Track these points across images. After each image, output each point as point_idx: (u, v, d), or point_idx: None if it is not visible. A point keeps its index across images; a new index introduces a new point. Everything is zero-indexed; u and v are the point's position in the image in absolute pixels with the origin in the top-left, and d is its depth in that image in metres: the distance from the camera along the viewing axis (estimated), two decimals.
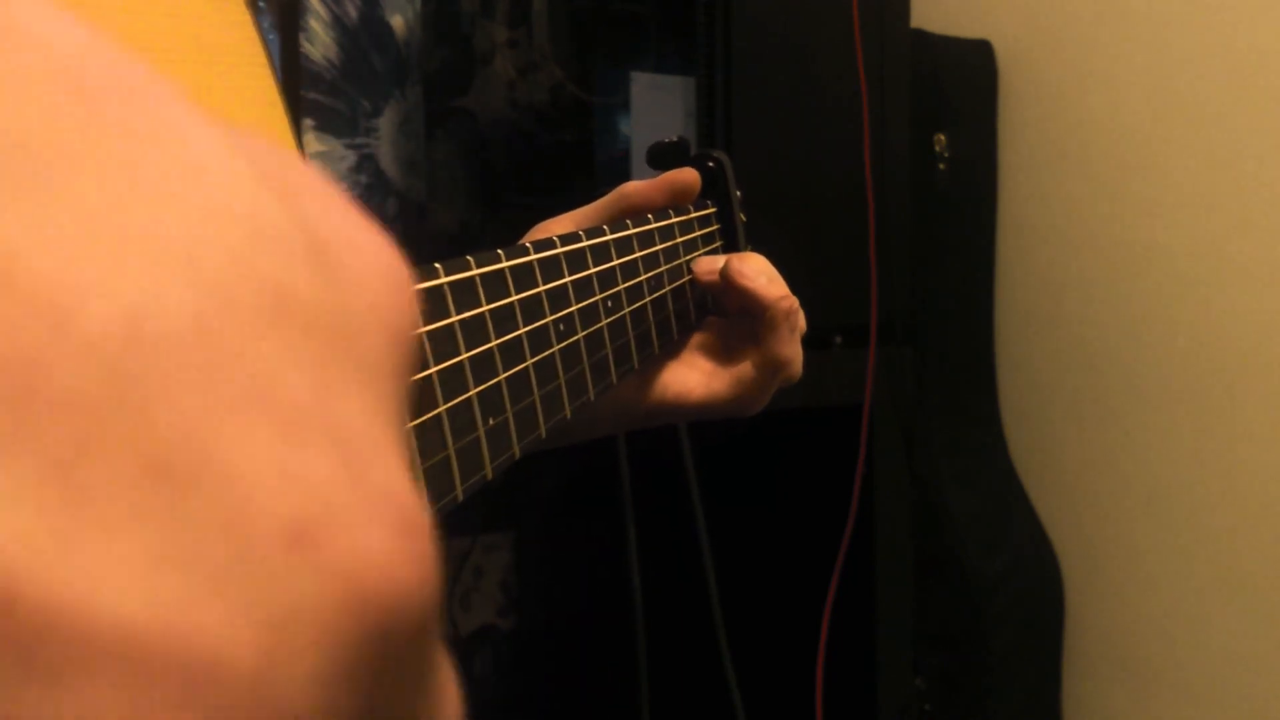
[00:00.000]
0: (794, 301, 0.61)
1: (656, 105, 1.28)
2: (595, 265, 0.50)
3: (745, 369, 0.61)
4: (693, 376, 0.62)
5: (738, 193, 0.70)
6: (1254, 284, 1.42)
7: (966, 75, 1.62)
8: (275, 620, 0.12)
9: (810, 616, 1.25)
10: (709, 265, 0.63)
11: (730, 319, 0.65)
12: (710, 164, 0.68)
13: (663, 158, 0.66)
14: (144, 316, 0.12)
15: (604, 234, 0.52)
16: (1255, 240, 1.42)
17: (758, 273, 0.61)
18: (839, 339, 1.28)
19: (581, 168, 1.35)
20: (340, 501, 0.13)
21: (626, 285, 0.54)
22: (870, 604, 1.30)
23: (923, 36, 1.53)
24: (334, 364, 0.14)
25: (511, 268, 0.42)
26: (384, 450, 0.14)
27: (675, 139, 0.66)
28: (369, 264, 0.15)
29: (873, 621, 1.31)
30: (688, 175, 0.62)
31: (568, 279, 0.47)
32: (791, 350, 0.61)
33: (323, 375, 0.13)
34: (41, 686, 0.11)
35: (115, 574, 0.11)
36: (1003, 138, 1.66)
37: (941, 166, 1.57)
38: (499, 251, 0.42)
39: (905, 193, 1.33)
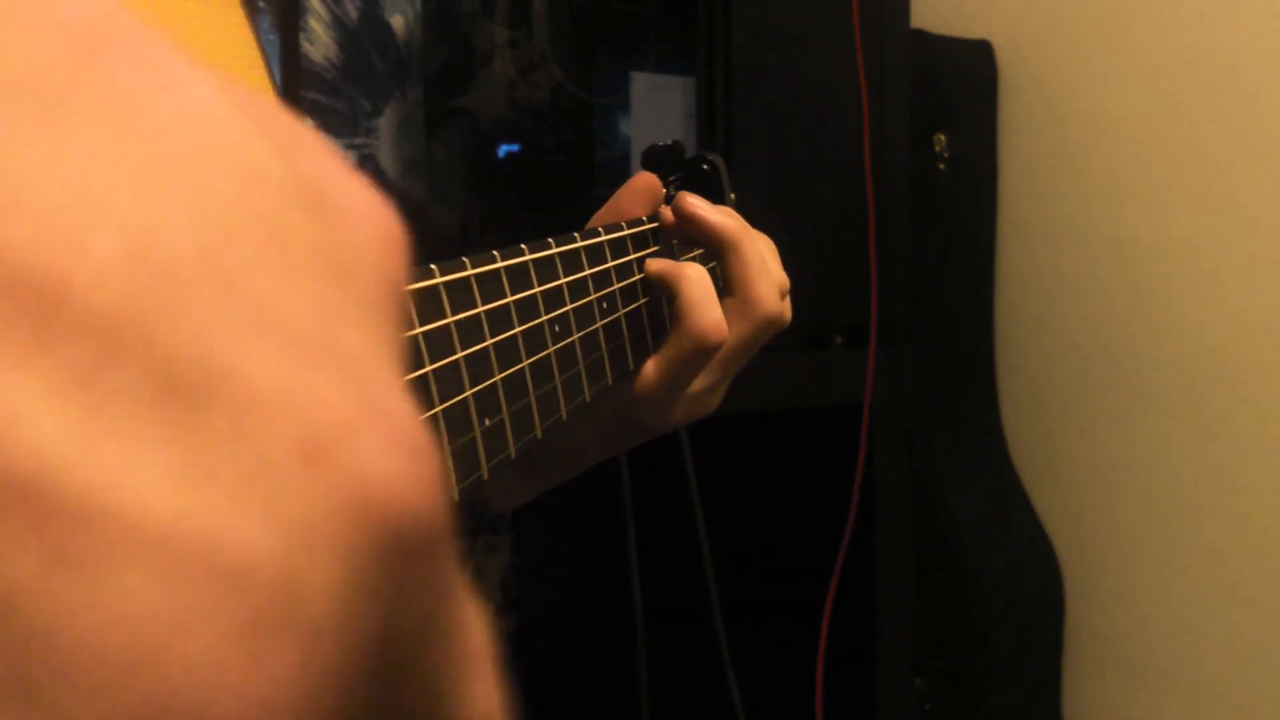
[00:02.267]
0: (745, 227, 0.59)
1: (656, 105, 1.28)
2: (590, 266, 0.50)
3: (677, 310, 0.57)
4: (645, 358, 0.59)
5: (732, 195, 0.70)
6: (1254, 284, 1.42)
7: (966, 75, 1.62)
8: (296, 531, 0.12)
9: (810, 616, 1.25)
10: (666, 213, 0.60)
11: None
12: (705, 166, 0.68)
13: (658, 161, 0.66)
14: (155, 240, 0.12)
15: (599, 234, 0.52)
16: (1254, 240, 1.42)
17: (704, 201, 0.59)
18: (839, 339, 1.28)
19: (581, 168, 1.35)
20: (351, 420, 0.13)
21: (621, 285, 0.54)
22: (870, 604, 1.30)
23: (923, 36, 1.53)
24: (336, 294, 0.14)
25: (507, 268, 0.42)
26: (389, 376, 0.14)
27: (670, 142, 0.66)
28: (363, 215, 0.16)
29: (873, 621, 1.31)
30: (640, 179, 0.61)
31: (563, 280, 0.47)
32: (754, 272, 0.58)
33: (327, 303, 0.14)
34: (79, 580, 0.11)
35: (142, 477, 0.11)
36: (1003, 138, 1.66)
37: (941, 166, 1.57)
38: (494, 253, 0.42)
39: (905, 193, 1.33)
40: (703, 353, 0.56)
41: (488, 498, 0.60)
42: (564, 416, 0.46)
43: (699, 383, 0.59)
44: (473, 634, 0.16)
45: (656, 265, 0.57)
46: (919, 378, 1.44)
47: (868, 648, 1.31)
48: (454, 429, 0.37)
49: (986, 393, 1.67)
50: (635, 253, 0.56)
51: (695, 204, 0.59)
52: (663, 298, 0.59)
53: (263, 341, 0.13)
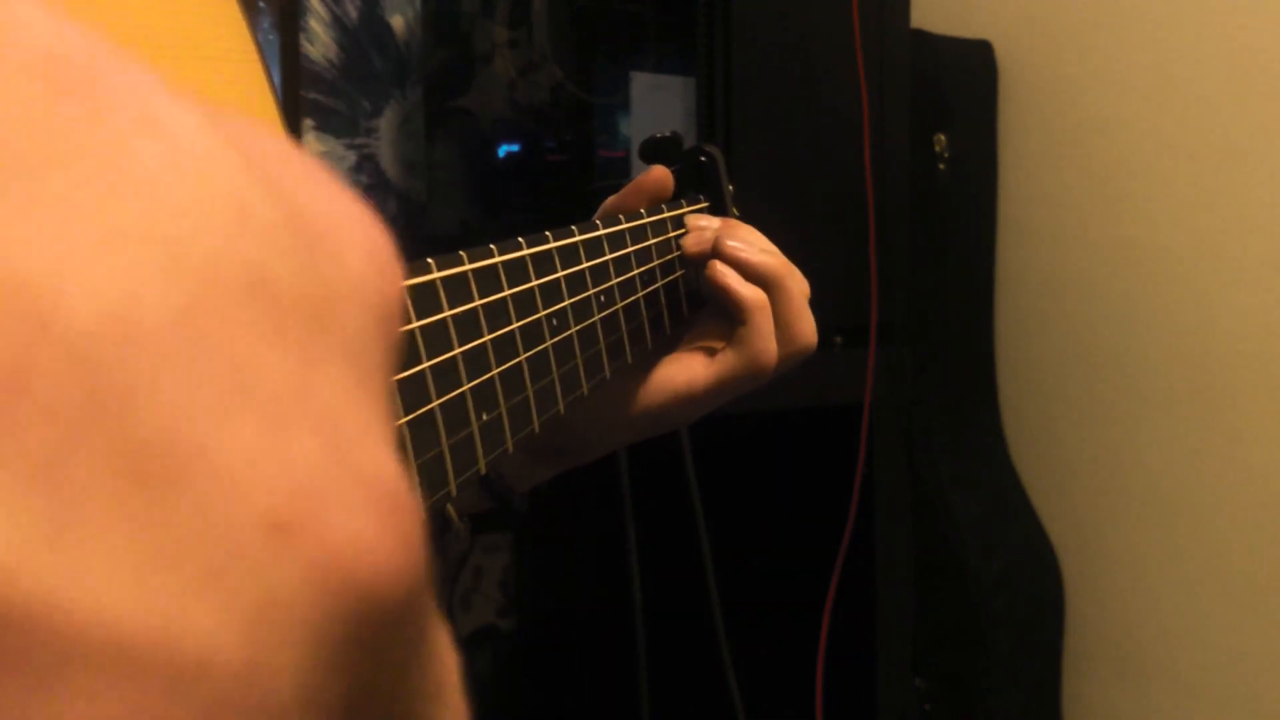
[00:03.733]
0: (788, 268, 0.60)
1: (656, 105, 1.28)
2: (588, 260, 0.50)
3: (746, 335, 0.60)
4: (696, 362, 0.61)
5: (730, 187, 0.70)
6: (1254, 284, 1.42)
7: (966, 75, 1.62)
8: (261, 612, 0.12)
9: (810, 616, 1.25)
10: (698, 239, 0.62)
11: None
12: (702, 158, 0.68)
13: (655, 153, 0.66)
14: (126, 313, 0.12)
15: (596, 229, 0.52)
16: (1255, 240, 1.42)
17: (751, 243, 0.61)
18: (839, 339, 1.28)
19: (581, 167, 1.35)
20: (324, 484, 0.13)
21: (619, 280, 0.54)
22: (870, 604, 1.30)
23: (923, 36, 1.53)
24: (317, 345, 0.14)
25: (504, 263, 0.42)
26: (368, 430, 0.14)
27: (668, 134, 0.66)
28: (353, 242, 0.15)
29: (873, 621, 1.31)
30: (655, 173, 0.62)
31: (561, 274, 0.47)
32: (805, 322, 0.60)
33: (306, 357, 0.13)
34: (30, 687, 0.11)
35: (101, 574, 0.11)
36: (1003, 138, 1.66)
37: (941, 166, 1.57)
38: (491, 246, 0.42)
39: (905, 193, 1.33)
40: (757, 380, 0.60)
41: (512, 483, 0.61)
42: (561, 410, 0.46)
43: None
44: (444, 663, 0.16)
45: (746, 289, 0.59)
46: (919, 378, 1.44)
47: (868, 648, 1.31)
48: (451, 424, 0.37)
49: (986, 393, 1.67)
50: (633, 245, 0.56)
51: (737, 246, 0.60)
52: (728, 317, 0.61)
53: (234, 409, 0.12)
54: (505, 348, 0.41)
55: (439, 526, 0.54)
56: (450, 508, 0.54)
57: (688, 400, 0.60)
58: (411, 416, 0.35)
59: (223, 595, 0.12)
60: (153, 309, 0.12)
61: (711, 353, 0.61)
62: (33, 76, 0.12)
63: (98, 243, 0.12)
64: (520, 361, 0.42)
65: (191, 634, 0.12)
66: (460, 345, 0.38)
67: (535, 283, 0.44)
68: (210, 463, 0.12)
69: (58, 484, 0.11)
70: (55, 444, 0.11)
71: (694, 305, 0.65)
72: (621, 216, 0.56)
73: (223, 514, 0.12)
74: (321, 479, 0.13)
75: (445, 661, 0.16)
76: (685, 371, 0.60)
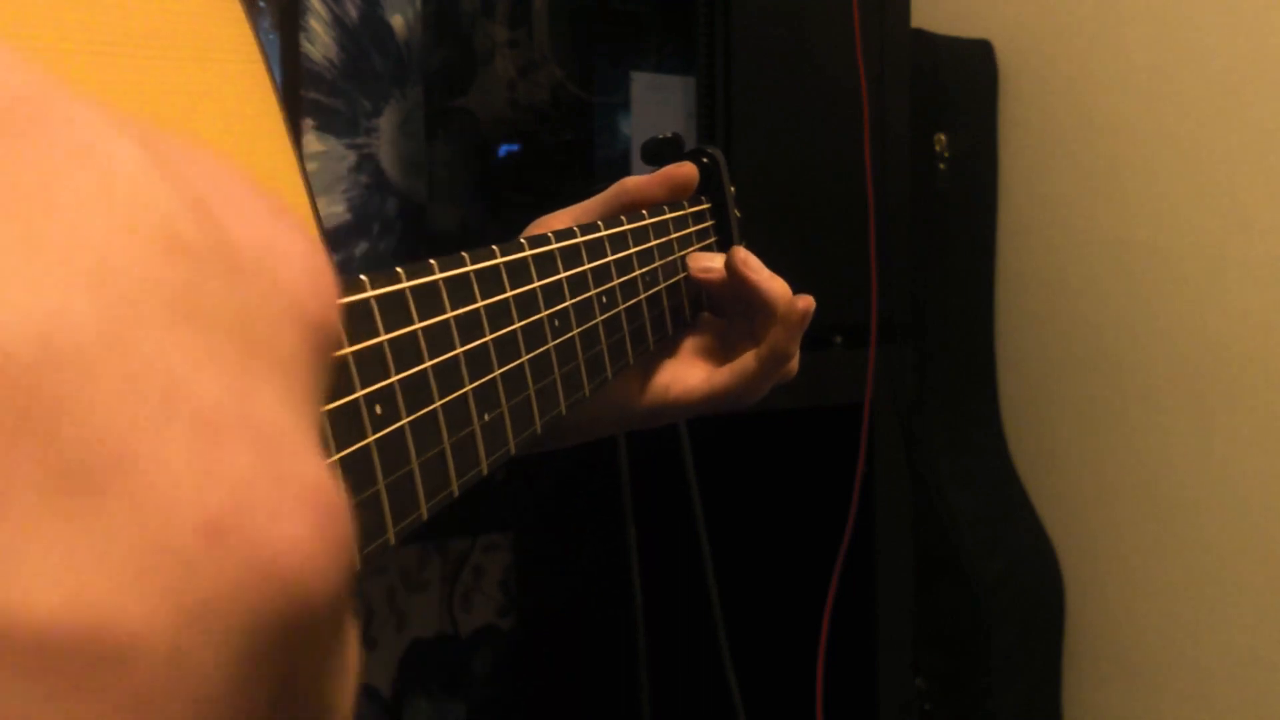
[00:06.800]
0: (808, 301, 0.61)
1: (656, 105, 1.28)
2: (590, 261, 0.50)
3: (747, 362, 0.61)
4: (694, 374, 0.62)
5: (731, 189, 0.70)
6: (1254, 284, 1.42)
7: (966, 75, 1.62)
8: (191, 609, 0.12)
9: (810, 616, 1.25)
10: (705, 262, 0.63)
11: (728, 315, 0.65)
12: (705, 159, 0.68)
13: (658, 154, 0.66)
14: (52, 333, 0.12)
15: (599, 230, 0.52)
16: (1254, 240, 1.42)
17: (762, 266, 0.62)
18: (839, 339, 1.28)
19: (581, 167, 1.35)
20: (257, 493, 0.13)
21: (621, 281, 0.54)
22: (870, 604, 1.30)
23: (923, 36, 1.53)
24: (247, 362, 0.14)
25: (506, 263, 0.42)
26: (299, 441, 0.14)
27: (670, 135, 0.66)
28: (286, 265, 0.16)
29: (873, 621, 1.31)
30: (686, 169, 0.63)
31: (562, 275, 0.47)
32: (795, 345, 0.61)
33: (236, 373, 0.14)
34: None
35: (30, 574, 0.12)
36: (1003, 138, 1.66)
37: (941, 166, 1.57)
38: (494, 248, 0.42)
39: (905, 193, 1.33)
40: (745, 404, 0.62)
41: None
42: (564, 411, 0.46)
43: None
44: (353, 651, 0.16)
45: (802, 300, 0.60)
46: (919, 378, 1.44)
47: (868, 648, 1.31)
48: (453, 424, 0.37)
49: (986, 393, 1.67)
50: (635, 246, 0.56)
51: (757, 266, 0.61)
52: (702, 290, 0.62)
53: (167, 423, 0.13)
54: (507, 348, 0.41)
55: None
56: None
57: (681, 408, 0.62)
58: (413, 417, 0.34)
59: (152, 591, 0.12)
60: (79, 329, 0.12)
61: (709, 366, 0.62)
62: None
63: (26, 268, 0.12)
64: (523, 362, 0.42)
65: (118, 627, 0.12)
66: (462, 345, 0.38)
67: (538, 283, 0.44)
68: (142, 471, 0.12)
69: None
70: None
71: (696, 309, 0.65)
72: (624, 218, 0.56)
73: (155, 517, 0.12)
74: (256, 487, 0.13)
75: (353, 658, 0.16)
76: (680, 383, 0.62)
